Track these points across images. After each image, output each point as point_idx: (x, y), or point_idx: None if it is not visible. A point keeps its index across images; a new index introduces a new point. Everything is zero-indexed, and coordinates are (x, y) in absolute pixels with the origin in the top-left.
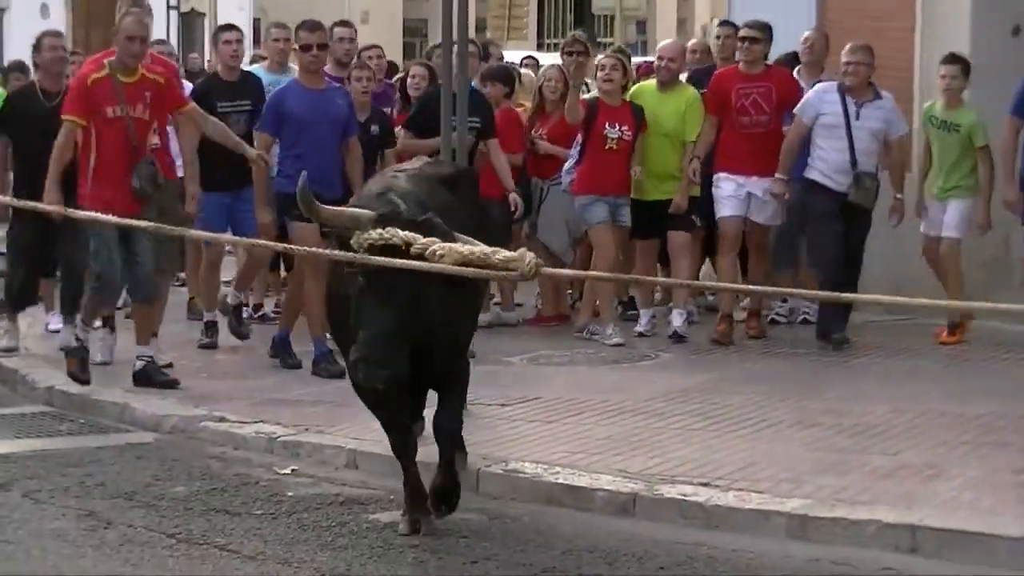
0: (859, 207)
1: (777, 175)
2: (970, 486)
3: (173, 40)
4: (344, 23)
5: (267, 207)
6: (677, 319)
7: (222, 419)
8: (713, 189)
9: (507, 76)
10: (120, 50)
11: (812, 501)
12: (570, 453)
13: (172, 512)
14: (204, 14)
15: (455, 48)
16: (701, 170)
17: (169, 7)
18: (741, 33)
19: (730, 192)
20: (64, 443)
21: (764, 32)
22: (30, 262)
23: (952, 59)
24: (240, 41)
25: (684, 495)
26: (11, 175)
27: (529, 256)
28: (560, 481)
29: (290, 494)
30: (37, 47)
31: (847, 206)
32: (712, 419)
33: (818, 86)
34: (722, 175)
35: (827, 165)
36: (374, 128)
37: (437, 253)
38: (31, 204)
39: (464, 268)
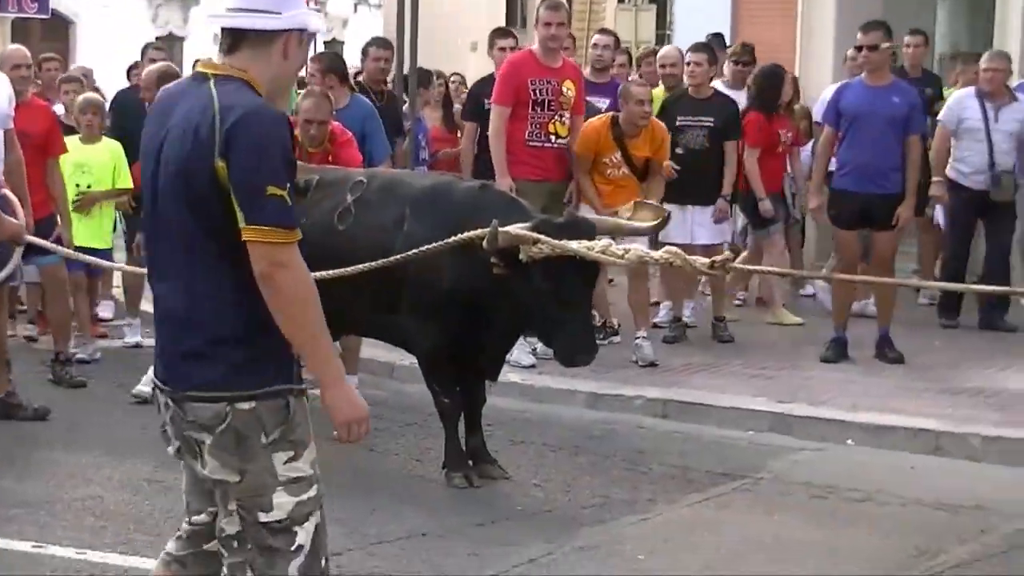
0: (1000, 203)
1: (936, 179)
2: (689, 375)
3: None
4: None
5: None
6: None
7: None
8: None
9: None
10: (299, 130)
11: (602, 383)
12: None
13: None
14: (343, 43)
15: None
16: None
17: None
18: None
19: None
20: None
21: None
22: None
23: None
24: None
25: (522, 380)
26: None
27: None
28: None
29: None
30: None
31: (988, 203)
32: None
33: (956, 93)
34: None
35: (967, 166)
36: None
37: (621, 254)
38: None
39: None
